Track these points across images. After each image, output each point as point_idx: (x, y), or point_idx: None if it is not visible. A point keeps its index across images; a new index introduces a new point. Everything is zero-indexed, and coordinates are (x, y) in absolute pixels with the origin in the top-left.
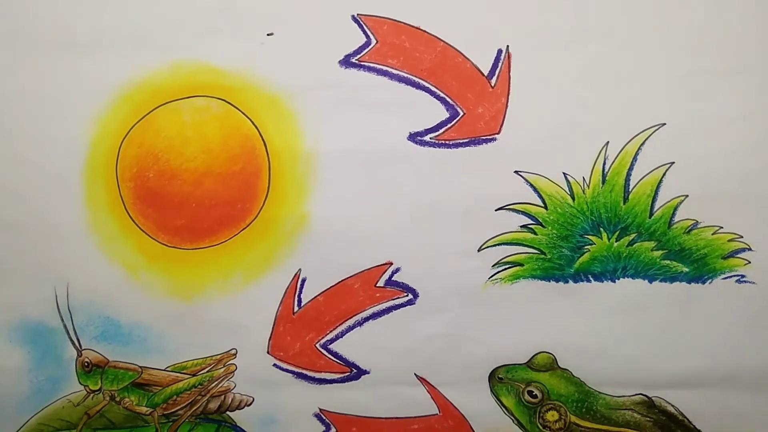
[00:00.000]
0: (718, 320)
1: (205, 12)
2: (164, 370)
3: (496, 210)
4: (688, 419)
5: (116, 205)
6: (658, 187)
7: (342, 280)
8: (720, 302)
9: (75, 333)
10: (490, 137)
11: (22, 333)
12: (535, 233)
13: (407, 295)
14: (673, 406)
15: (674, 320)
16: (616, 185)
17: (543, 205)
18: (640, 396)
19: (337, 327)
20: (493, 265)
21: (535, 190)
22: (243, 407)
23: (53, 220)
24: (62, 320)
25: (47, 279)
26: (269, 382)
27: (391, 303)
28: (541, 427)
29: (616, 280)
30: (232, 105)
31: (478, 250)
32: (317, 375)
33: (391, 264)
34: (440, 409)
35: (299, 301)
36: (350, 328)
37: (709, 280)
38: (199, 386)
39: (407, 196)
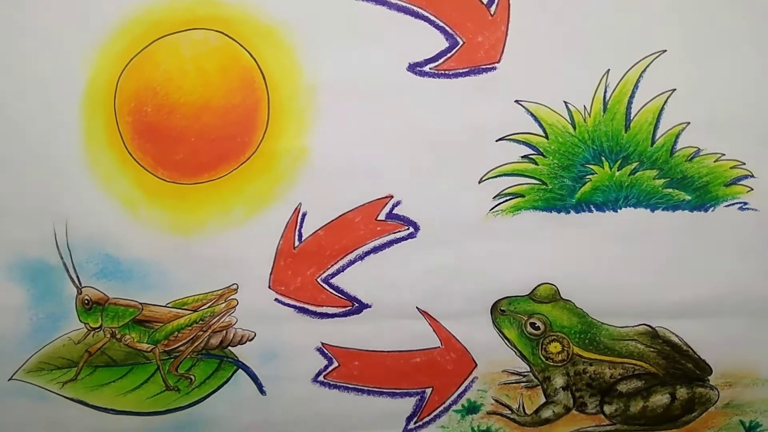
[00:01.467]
0: (721, 248)
1: None
2: (165, 306)
3: (496, 141)
4: (692, 349)
5: (114, 140)
6: (659, 114)
7: (342, 214)
8: (723, 230)
9: (74, 270)
10: (490, 66)
11: (21, 271)
12: (536, 163)
13: (408, 229)
14: (676, 335)
15: (677, 249)
16: (618, 113)
17: (544, 135)
18: (644, 326)
19: (338, 261)
20: (494, 197)
21: (535, 119)
22: (245, 342)
23: (51, 156)
24: (61, 258)
25: (46, 216)
26: (271, 316)
27: (392, 236)
28: (543, 359)
29: (618, 210)
30: (230, 37)
31: (479, 182)
32: (319, 309)
33: (392, 197)
34: (442, 341)
35: (300, 235)
36: (351, 263)
37: (712, 208)
38: (201, 322)
39: (407, 128)
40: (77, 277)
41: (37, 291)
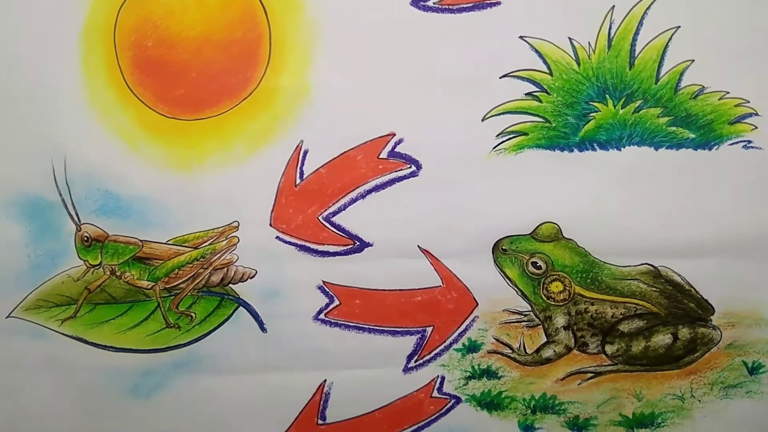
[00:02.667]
0: (725, 187)
1: None
2: (165, 243)
3: (500, 77)
4: (694, 288)
5: (114, 75)
6: (663, 52)
7: (344, 152)
8: (727, 168)
9: (73, 207)
10: (494, 2)
11: (20, 207)
12: (540, 101)
13: (410, 167)
14: (679, 275)
15: (680, 188)
16: (622, 50)
17: (548, 72)
18: (646, 266)
19: (339, 199)
20: (497, 135)
21: (540, 55)
22: (246, 280)
23: (49, 91)
24: (60, 194)
25: (44, 152)
26: (272, 254)
27: (394, 175)
28: (545, 299)
29: (622, 149)
30: None
31: (482, 120)
32: (320, 248)
33: (394, 135)
34: (444, 281)
35: (301, 173)
36: (353, 201)
37: (716, 147)
38: (201, 259)
39: (410, 65)
40: (76, 213)
41: (36, 228)
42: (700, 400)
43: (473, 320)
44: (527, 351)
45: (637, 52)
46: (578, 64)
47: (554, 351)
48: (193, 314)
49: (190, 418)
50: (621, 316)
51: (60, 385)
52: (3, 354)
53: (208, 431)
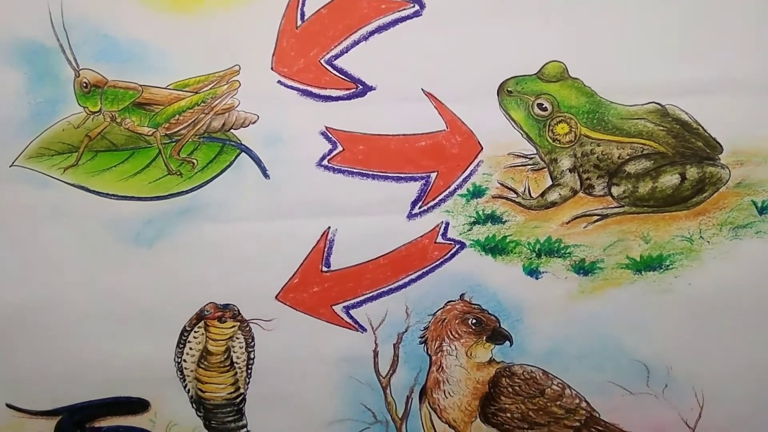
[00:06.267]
0: (733, 24)
1: None
2: (165, 88)
3: None
4: (702, 127)
5: None
6: None
7: None
8: (734, 5)
9: (71, 52)
10: None
11: (17, 54)
12: None
13: (413, 6)
14: (686, 113)
15: (688, 25)
16: None
17: None
18: (653, 104)
19: (341, 41)
20: None
21: None
22: (248, 125)
23: None
24: (57, 39)
25: None
26: (274, 99)
27: (396, 15)
28: (550, 141)
29: None
30: None
31: None
32: (322, 92)
33: None
34: (448, 124)
35: (302, 14)
36: (355, 43)
37: None
38: (202, 104)
39: None
40: (74, 59)
41: (34, 74)
42: (708, 242)
43: (478, 165)
44: (532, 195)
45: None
46: None
47: (559, 194)
48: (194, 161)
49: (192, 266)
50: (627, 157)
51: (63, 234)
52: (6, 203)
53: (212, 280)
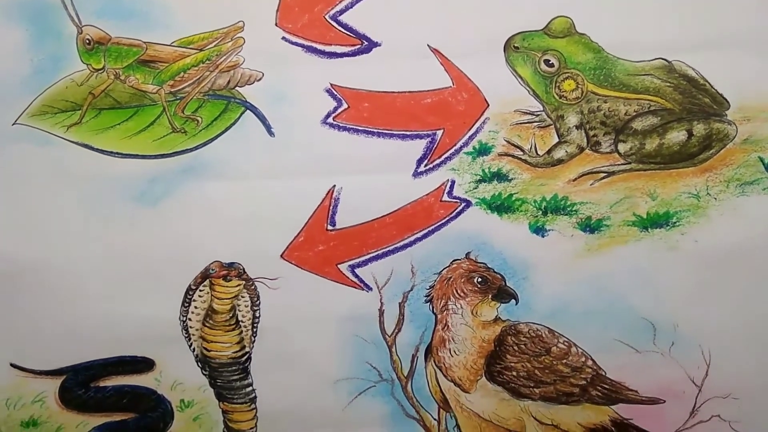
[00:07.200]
0: None
1: None
2: (170, 45)
3: None
4: (709, 83)
5: None
6: None
7: None
8: None
9: (73, 8)
10: None
11: (18, 10)
12: None
13: None
14: (693, 69)
15: None
16: None
17: None
18: (660, 60)
19: None
20: None
21: None
22: (252, 83)
23: None
24: None
25: None
26: (279, 56)
27: None
28: (557, 97)
29: None
30: None
31: None
32: (327, 48)
33: None
34: (454, 81)
35: None
36: None
37: None
38: (207, 62)
39: None
40: (77, 15)
41: (36, 31)
42: (716, 198)
43: (484, 122)
44: (538, 152)
45: None
46: None
47: (566, 151)
48: (199, 118)
49: (197, 225)
50: (634, 114)
51: (67, 193)
52: (10, 162)
53: (216, 238)
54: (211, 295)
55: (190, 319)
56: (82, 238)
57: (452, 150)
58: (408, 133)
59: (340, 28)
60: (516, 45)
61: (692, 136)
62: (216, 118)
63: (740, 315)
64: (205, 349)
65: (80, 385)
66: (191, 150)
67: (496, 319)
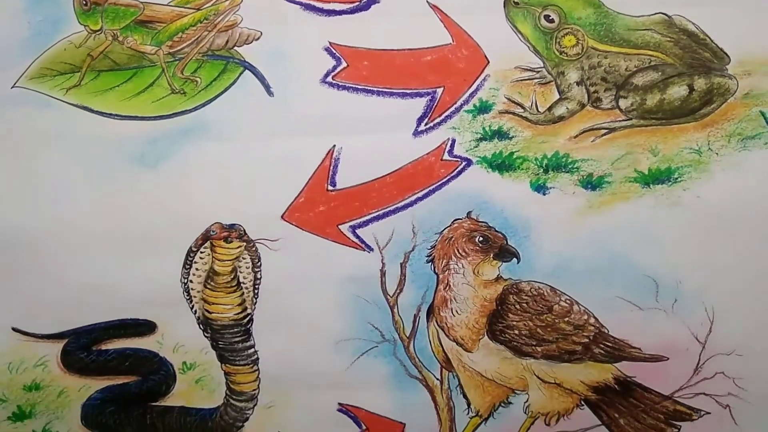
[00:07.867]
0: None
1: None
2: (167, 5)
3: None
4: (709, 37)
5: None
6: None
7: None
8: None
9: None
10: None
11: None
12: None
13: None
14: (693, 23)
15: None
16: None
17: None
18: (660, 15)
19: None
20: None
21: None
22: (251, 42)
23: None
24: None
25: None
26: (277, 15)
27: None
28: (558, 53)
29: None
30: None
31: None
32: (326, 6)
33: None
34: (454, 38)
35: None
36: None
37: None
38: (205, 21)
39: None
40: None
41: None
42: (717, 153)
43: (484, 79)
44: (539, 109)
45: None
46: None
47: (567, 108)
48: (198, 79)
49: (198, 186)
50: (635, 69)
51: (66, 155)
52: (10, 125)
53: (217, 199)
54: (212, 256)
55: (191, 281)
56: (82, 201)
57: (452, 108)
58: (408, 91)
59: None
60: (516, 1)
61: (693, 91)
62: (215, 78)
63: (743, 270)
64: (207, 311)
65: (82, 349)
66: (190, 111)
67: (498, 278)
